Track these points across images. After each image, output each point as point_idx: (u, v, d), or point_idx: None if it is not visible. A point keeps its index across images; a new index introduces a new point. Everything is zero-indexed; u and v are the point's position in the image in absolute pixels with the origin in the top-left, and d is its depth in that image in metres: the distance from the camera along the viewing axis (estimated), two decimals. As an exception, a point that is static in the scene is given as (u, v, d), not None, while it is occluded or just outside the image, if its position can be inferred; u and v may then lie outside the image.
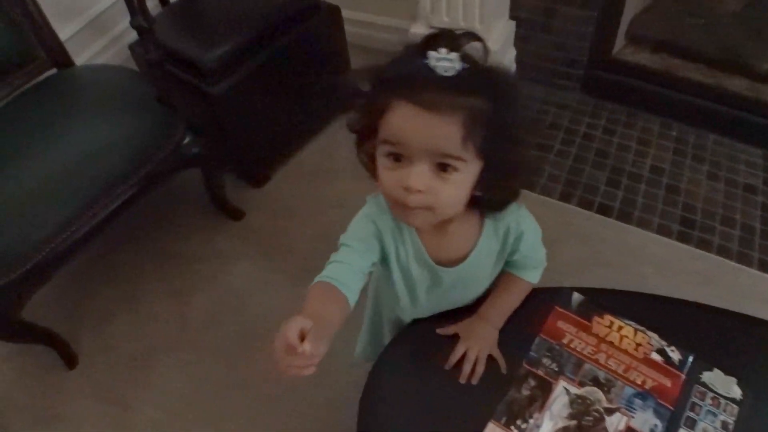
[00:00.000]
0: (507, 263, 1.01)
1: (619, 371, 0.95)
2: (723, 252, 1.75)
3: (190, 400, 1.54)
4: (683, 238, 1.78)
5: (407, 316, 1.04)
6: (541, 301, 1.03)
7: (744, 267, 1.71)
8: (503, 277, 1.03)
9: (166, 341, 1.66)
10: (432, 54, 0.70)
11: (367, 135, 0.80)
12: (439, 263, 0.92)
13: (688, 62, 2.04)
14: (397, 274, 0.93)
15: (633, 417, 0.90)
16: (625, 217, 1.83)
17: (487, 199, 0.83)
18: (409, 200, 0.75)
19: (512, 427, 0.89)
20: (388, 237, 0.88)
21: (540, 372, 0.95)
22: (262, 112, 1.86)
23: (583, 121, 2.10)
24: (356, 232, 0.87)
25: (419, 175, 0.73)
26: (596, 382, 0.94)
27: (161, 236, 1.89)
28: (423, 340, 1.01)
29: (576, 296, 1.04)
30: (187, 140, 1.58)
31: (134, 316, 1.72)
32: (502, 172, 0.79)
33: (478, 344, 0.97)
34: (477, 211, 0.88)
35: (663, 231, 1.79)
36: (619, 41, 2.10)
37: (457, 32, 0.74)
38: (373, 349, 1.21)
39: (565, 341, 0.99)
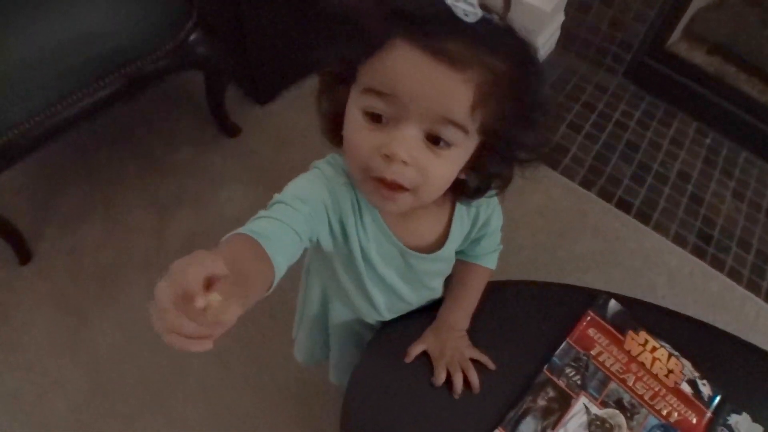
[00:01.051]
0: (462, 252, 0.87)
1: (646, 397, 0.86)
2: (734, 275, 1.68)
3: (155, 326, 1.41)
4: (698, 252, 1.70)
5: (372, 315, 0.88)
6: (574, 302, 0.93)
7: (752, 295, 1.65)
8: (460, 270, 0.88)
9: (139, 257, 1.52)
10: None
11: (340, 78, 0.62)
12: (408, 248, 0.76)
13: (743, 72, 1.92)
14: (359, 260, 0.75)
15: (652, 450, 0.82)
16: (643, 217, 1.74)
17: (470, 184, 0.68)
18: (388, 173, 0.58)
19: (522, 440, 0.80)
20: (347, 210, 0.69)
21: (561, 383, 0.85)
22: (285, 21, 1.65)
23: (619, 108, 1.98)
24: (301, 193, 0.65)
25: (408, 141, 0.57)
26: (620, 405, 0.85)
27: (150, 140, 1.72)
28: (402, 342, 0.88)
29: (613, 304, 0.94)
30: (194, 37, 1.40)
31: (107, 223, 1.57)
32: (503, 156, 0.64)
33: (455, 357, 0.85)
34: (449, 192, 0.69)
35: (679, 240, 1.71)
36: (676, 34, 1.96)
37: None
38: (322, 351, 1.05)
39: (593, 353, 0.89)
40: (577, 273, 1.54)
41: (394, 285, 0.80)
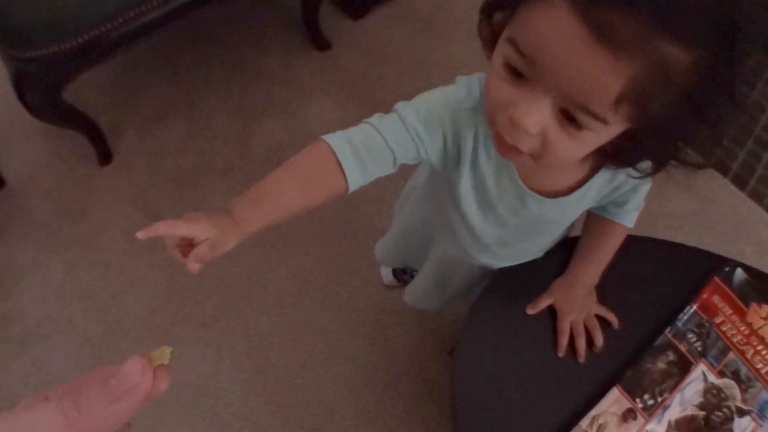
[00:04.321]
0: (602, 208, 0.82)
1: (763, 372, 0.82)
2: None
3: (233, 235, 1.41)
4: (793, 226, 1.60)
5: (477, 252, 0.84)
6: (701, 266, 0.87)
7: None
8: (596, 224, 0.83)
9: (220, 163, 1.50)
10: None
11: (497, 4, 0.55)
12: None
13: None
14: (466, 185, 0.71)
15: (761, 426, 0.79)
16: (739, 182, 1.64)
17: (614, 156, 0.59)
18: (509, 136, 0.53)
19: (637, 400, 0.77)
20: (468, 137, 0.66)
21: (682, 347, 0.81)
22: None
23: (726, 62, 1.84)
24: (423, 107, 0.64)
25: (538, 113, 0.49)
26: (736, 376, 0.82)
27: (237, 44, 1.67)
28: (515, 292, 0.85)
29: (739, 273, 0.88)
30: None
31: (190, 126, 1.54)
32: (655, 147, 0.55)
33: (582, 313, 0.82)
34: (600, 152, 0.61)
35: (774, 211, 1.61)
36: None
37: None
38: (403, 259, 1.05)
39: (716, 321, 0.84)
40: (669, 231, 1.48)
41: (505, 220, 0.75)
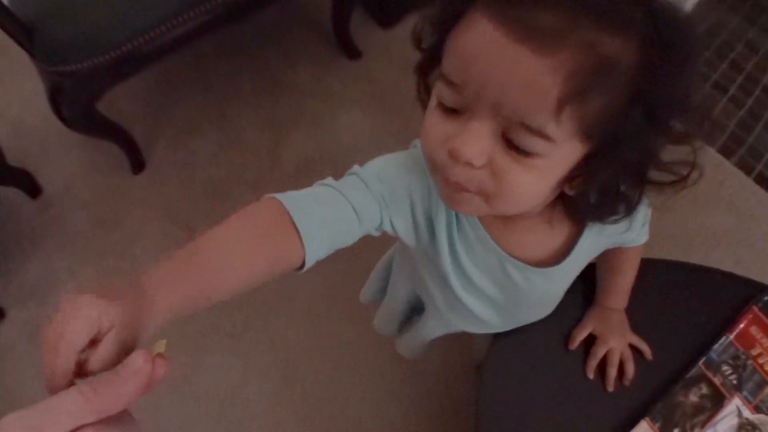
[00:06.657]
0: None
1: (803, 408, 0.78)
2: None
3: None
4: (839, 243, 1.54)
5: (476, 328, 0.79)
6: (737, 293, 0.84)
7: None
8: (608, 256, 0.77)
9: (251, 175, 1.51)
10: None
11: (433, 58, 0.50)
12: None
13: None
14: (447, 265, 0.63)
15: (799, 464, 0.75)
16: (783, 197, 1.58)
17: (583, 201, 0.52)
18: (451, 173, 0.46)
19: (667, 435, 0.74)
20: (441, 205, 0.58)
21: (716, 380, 0.78)
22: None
23: (770, 71, 1.78)
24: (384, 172, 0.56)
25: (478, 140, 0.43)
26: (774, 411, 0.78)
27: (268, 56, 1.68)
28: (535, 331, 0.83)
29: (779, 302, 0.84)
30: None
31: (221, 138, 1.56)
32: (624, 172, 0.48)
33: (619, 343, 0.79)
34: (568, 208, 0.56)
35: (819, 228, 1.55)
36: None
37: None
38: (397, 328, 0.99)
39: (753, 353, 0.81)
40: (705, 248, 1.43)
41: (493, 298, 0.70)
